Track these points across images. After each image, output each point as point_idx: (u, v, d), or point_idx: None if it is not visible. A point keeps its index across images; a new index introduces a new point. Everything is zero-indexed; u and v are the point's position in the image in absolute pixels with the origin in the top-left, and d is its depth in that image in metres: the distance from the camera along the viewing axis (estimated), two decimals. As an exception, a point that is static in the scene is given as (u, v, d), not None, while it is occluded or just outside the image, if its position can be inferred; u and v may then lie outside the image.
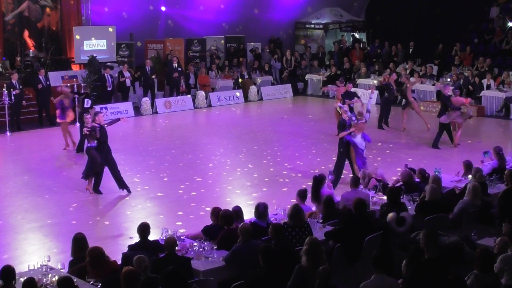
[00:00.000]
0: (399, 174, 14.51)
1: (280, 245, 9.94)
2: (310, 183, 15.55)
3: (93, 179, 16.92)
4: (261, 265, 9.22)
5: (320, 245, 9.28)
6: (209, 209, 12.17)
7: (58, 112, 21.59)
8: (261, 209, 11.57)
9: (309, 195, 13.04)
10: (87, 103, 21.28)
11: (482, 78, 28.26)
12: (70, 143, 21.44)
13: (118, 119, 17.91)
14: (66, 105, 21.38)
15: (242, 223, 10.58)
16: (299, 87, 33.97)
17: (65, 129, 21.42)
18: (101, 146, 16.70)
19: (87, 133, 16.68)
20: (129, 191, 16.94)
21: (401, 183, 14.11)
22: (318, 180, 13.46)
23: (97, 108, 23.88)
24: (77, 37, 28.82)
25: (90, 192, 16.81)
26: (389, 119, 24.75)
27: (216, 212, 11.52)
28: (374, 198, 13.21)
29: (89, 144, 16.84)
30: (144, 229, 10.63)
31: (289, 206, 11.40)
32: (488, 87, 27.99)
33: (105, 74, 27.17)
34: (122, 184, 16.94)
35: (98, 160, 16.64)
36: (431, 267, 8.59)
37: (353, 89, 24.28)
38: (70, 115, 21.48)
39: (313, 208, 12.97)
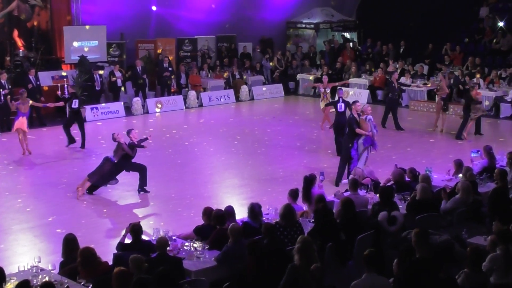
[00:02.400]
0: (391, 173, 14.50)
1: (273, 245, 9.93)
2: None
3: (88, 182, 16.89)
4: (248, 261, 9.21)
5: (313, 243, 9.27)
6: (200, 208, 12.14)
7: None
8: (256, 210, 11.46)
9: (300, 194, 13.03)
10: (75, 103, 21.30)
11: (472, 77, 28.29)
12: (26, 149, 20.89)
13: (146, 138, 17.50)
14: (22, 111, 20.57)
15: (232, 224, 10.56)
16: (290, 87, 34.00)
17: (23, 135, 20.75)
18: (125, 162, 16.78)
19: (128, 149, 16.67)
20: (146, 191, 17.01)
21: (392, 182, 14.12)
22: (309, 180, 13.45)
23: (87, 108, 23.90)
24: (67, 37, 28.73)
25: (80, 193, 16.76)
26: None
27: (208, 212, 11.50)
28: (366, 197, 13.19)
29: (109, 155, 16.81)
30: (136, 229, 10.61)
31: (281, 206, 11.39)
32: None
33: (94, 74, 27.09)
34: (141, 187, 17.02)
35: (108, 176, 16.65)
36: (422, 266, 8.59)
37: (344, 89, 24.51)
38: (22, 122, 20.58)
39: (305, 208, 12.97)
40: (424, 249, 8.91)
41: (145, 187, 16.99)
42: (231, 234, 10.23)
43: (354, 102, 18.31)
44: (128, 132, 16.99)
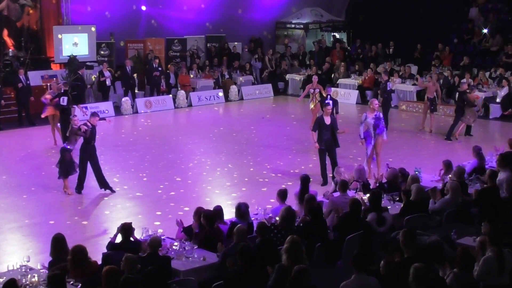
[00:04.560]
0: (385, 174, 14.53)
1: (265, 244, 9.96)
2: (290, 183, 15.61)
3: (68, 179, 16.83)
4: (238, 264, 9.21)
5: (301, 244, 9.28)
6: (188, 209, 12.14)
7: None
8: (243, 209, 11.57)
9: (289, 195, 12.98)
10: (63, 100, 21.13)
11: (462, 77, 28.36)
12: (57, 139, 21.59)
13: (104, 119, 17.89)
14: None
15: (238, 225, 10.51)
16: (280, 87, 33.99)
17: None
18: (87, 147, 16.64)
19: (75, 132, 16.57)
20: (112, 191, 16.96)
21: (385, 180, 14.17)
22: (306, 180, 13.39)
23: (76, 107, 23.80)
24: (59, 36, 28.68)
25: (69, 193, 16.71)
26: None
27: (199, 212, 11.49)
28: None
29: (65, 145, 16.76)
30: (126, 229, 10.60)
31: (282, 207, 11.46)
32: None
33: (82, 73, 27.08)
34: (103, 184, 16.93)
35: (67, 164, 16.58)
36: (410, 266, 8.60)
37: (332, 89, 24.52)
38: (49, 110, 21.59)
39: (295, 208, 12.93)
40: (411, 249, 8.93)
41: (110, 186, 17.03)
42: (236, 235, 10.18)
43: (372, 100, 18.49)
44: (92, 115, 17.09)
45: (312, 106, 23.88)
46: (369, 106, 18.05)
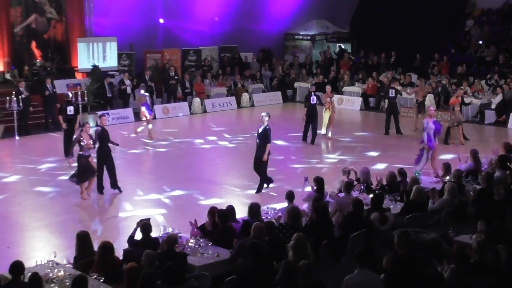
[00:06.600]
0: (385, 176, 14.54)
1: (273, 242, 9.99)
2: (299, 185, 15.57)
3: (87, 182, 16.79)
4: (251, 261, 9.24)
5: (306, 241, 9.32)
6: (202, 208, 12.16)
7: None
8: (254, 209, 11.64)
9: (297, 195, 12.99)
10: (70, 110, 20.53)
11: (459, 85, 28.35)
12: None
13: (117, 144, 17.77)
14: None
15: (255, 223, 10.53)
16: (288, 94, 34.03)
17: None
18: (102, 148, 16.69)
19: (81, 143, 16.50)
20: (120, 191, 17.03)
21: (385, 183, 14.17)
22: (321, 181, 13.36)
23: (99, 113, 23.87)
24: (81, 47, 28.83)
25: (84, 198, 16.60)
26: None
27: (213, 212, 11.54)
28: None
29: (80, 152, 16.68)
30: (146, 227, 10.66)
31: (288, 207, 11.56)
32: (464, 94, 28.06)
33: (104, 82, 27.20)
34: (114, 184, 17.00)
35: (82, 169, 16.53)
36: (410, 263, 8.63)
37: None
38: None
39: (303, 207, 12.95)
40: (404, 247, 9.01)
41: (119, 186, 17.08)
42: (254, 231, 10.20)
43: (428, 107, 19.50)
44: (99, 117, 17.25)
45: (327, 114, 23.74)
46: (427, 113, 18.81)
